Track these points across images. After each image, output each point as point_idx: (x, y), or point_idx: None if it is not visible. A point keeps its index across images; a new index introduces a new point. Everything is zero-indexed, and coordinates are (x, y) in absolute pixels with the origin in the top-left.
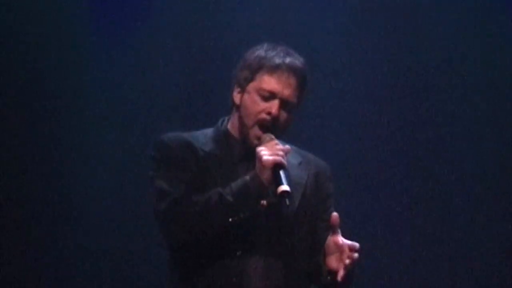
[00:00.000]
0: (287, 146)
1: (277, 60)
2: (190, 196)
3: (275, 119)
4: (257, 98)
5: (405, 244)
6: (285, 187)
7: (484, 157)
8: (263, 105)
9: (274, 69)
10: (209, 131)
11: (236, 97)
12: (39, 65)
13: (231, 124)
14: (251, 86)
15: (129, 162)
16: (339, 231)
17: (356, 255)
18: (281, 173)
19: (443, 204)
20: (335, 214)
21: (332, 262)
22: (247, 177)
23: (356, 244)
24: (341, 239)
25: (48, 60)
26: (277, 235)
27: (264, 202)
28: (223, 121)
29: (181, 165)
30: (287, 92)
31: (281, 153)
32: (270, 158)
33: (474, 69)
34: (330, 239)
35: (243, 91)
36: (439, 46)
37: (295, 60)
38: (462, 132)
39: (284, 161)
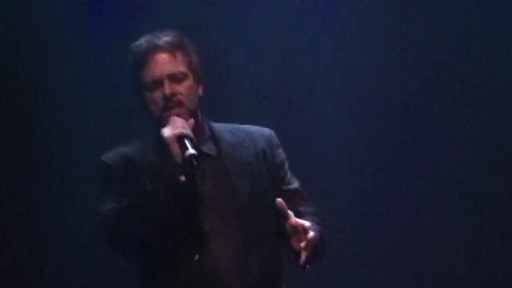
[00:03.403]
0: (191, 120)
1: (139, 53)
2: (113, 205)
3: (170, 96)
4: (148, 94)
5: (405, 244)
6: (190, 151)
7: (484, 155)
8: (157, 94)
9: (142, 60)
10: (148, 141)
11: (141, 105)
12: (35, 66)
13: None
14: (140, 87)
15: None
16: (289, 213)
17: (310, 235)
18: (186, 141)
19: (442, 204)
20: (278, 200)
21: (294, 243)
22: (162, 161)
23: (306, 224)
24: (294, 221)
25: (43, 60)
26: (235, 225)
27: (182, 177)
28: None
29: (123, 182)
30: (166, 69)
31: (180, 125)
32: (171, 132)
33: (474, 69)
34: (286, 223)
35: (140, 96)
36: (440, 45)
37: (154, 39)
38: (462, 132)
39: (185, 131)
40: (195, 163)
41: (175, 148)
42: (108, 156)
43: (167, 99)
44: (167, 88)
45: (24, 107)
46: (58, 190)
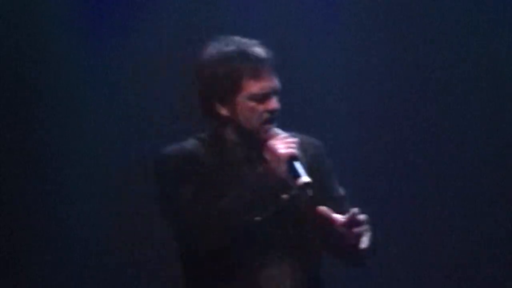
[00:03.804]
0: (296, 138)
1: (252, 60)
2: (209, 204)
3: (276, 111)
4: (253, 104)
5: (405, 244)
6: (305, 178)
7: (484, 155)
8: (262, 107)
9: (255, 71)
10: (202, 140)
11: (225, 111)
12: (35, 66)
13: (226, 132)
14: (240, 96)
15: (126, 162)
16: (336, 216)
17: (364, 217)
18: (297, 164)
19: (442, 204)
20: (321, 208)
21: (350, 235)
22: (260, 173)
23: (356, 211)
24: (344, 218)
25: (41, 60)
26: (293, 236)
27: (285, 195)
28: (213, 131)
29: (190, 176)
30: (273, 83)
31: (293, 145)
32: (285, 150)
33: (475, 69)
34: (335, 226)
35: (230, 104)
36: (440, 45)
37: (258, 48)
38: (462, 131)
39: (296, 152)
40: (310, 193)
41: (283, 166)
42: (170, 150)
43: (273, 113)
44: (275, 103)
45: (24, 107)
46: (58, 190)
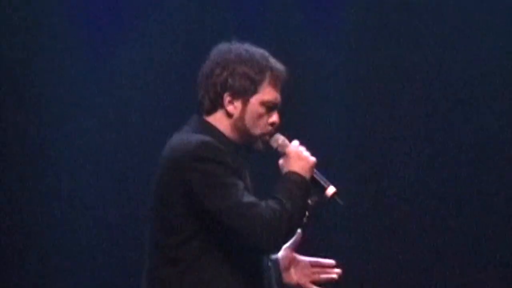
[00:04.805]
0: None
1: (276, 72)
2: (279, 204)
3: (276, 126)
4: (262, 111)
5: (404, 244)
6: (332, 187)
7: (485, 155)
8: (267, 117)
9: (276, 80)
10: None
11: (232, 107)
12: (31, 64)
13: (223, 129)
14: (255, 98)
15: (124, 161)
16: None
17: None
18: (318, 173)
19: (442, 204)
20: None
21: (292, 276)
22: (296, 178)
23: (332, 261)
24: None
25: (39, 58)
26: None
27: (312, 201)
28: (206, 125)
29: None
30: (280, 98)
31: (307, 152)
32: (313, 158)
33: (476, 68)
34: (286, 256)
35: (242, 101)
36: (441, 45)
37: (280, 62)
38: (463, 131)
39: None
40: (341, 202)
41: (310, 173)
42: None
43: (274, 126)
44: (278, 119)
45: (24, 107)
46: (58, 190)
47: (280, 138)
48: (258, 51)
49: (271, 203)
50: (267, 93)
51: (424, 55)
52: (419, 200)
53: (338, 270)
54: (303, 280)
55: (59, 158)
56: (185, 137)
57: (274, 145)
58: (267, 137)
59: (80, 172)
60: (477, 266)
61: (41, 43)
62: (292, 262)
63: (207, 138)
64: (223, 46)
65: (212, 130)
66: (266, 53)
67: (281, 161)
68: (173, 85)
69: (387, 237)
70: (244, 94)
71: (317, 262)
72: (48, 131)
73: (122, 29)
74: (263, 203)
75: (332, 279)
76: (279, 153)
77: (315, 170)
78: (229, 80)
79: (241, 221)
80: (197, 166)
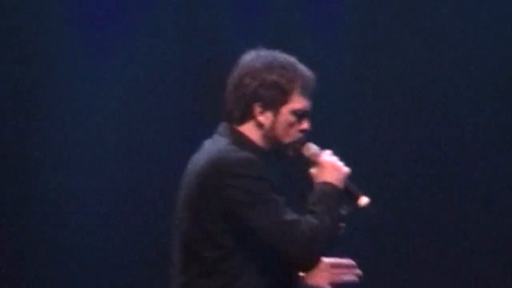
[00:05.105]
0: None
1: (305, 79)
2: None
3: (307, 133)
4: (292, 119)
5: (404, 244)
6: (365, 197)
7: (486, 155)
8: (298, 125)
9: (305, 89)
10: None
11: (263, 117)
12: (31, 65)
13: (255, 139)
14: (285, 107)
15: (124, 162)
16: None
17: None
18: (350, 183)
19: (442, 204)
20: None
21: (313, 279)
22: (332, 189)
23: (352, 262)
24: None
25: (39, 59)
26: None
27: (343, 211)
28: (238, 135)
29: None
30: (310, 105)
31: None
32: (347, 168)
33: (476, 69)
34: None
35: (273, 112)
36: (441, 45)
37: (308, 69)
38: (463, 131)
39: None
40: (372, 211)
41: (342, 183)
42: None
43: (304, 133)
44: (308, 124)
45: (24, 107)
46: (57, 190)
47: (313, 147)
48: (287, 59)
49: (310, 218)
50: (298, 101)
51: (425, 55)
52: (419, 200)
53: (358, 271)
54: (324, 282)
55: (59, 158)
56: (222, 150)
57: (307, 153)
58: (298, 145)
59: (80, 172)
60: (477, 267)
61: (41, 43)
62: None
63: (245, 153)
64: (250, 54)
65: (245, 140)
66: (294, 60)
67: (313, 170)
68: (173, 85)
69: (387, 238)
70: (274, 104)
71: (337, 263)
72: (48, 131)
73: (122, 29)
74: (302, 220)
75: (353, 280)
76: (311, 162)
77: (350, 181)
78: (259, 91)
79: (282, 239)
80: (235, 183)
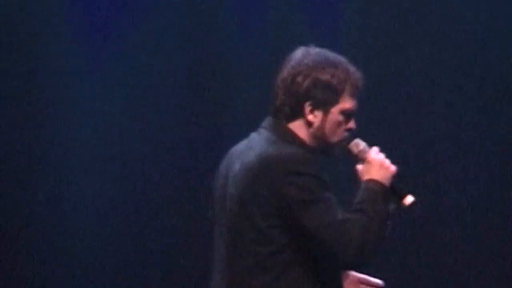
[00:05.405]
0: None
1: (355, 80)
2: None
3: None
4: (341, 119)
5: (404, 244)
6: (411, 196)
7: (485, 155)
8: (345, 124)
9: (355, 90)
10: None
11: (313, 116)
12: (31, 65)
13: (303, 137)
14: (335, 108)
15: (125, 162)
16: None
17: None
18: (395, 184)
19: (441, 204)
20: None
21: None
22: (379, 188)
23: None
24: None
25: (40, 58)
26: None
27: (390, 209)
28: (288, 132)
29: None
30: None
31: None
32: (394, 166)
33: (477, 69)
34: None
35: (323, 111)
36: (441, 45)
37: (356, 68)
38: (463, 131)
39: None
40: (416, 210)
41: (389, 181)
42: (309, 155)
43: (351, 132)
44: (354, 124)
45: (24, 106)
46: (57, 190)
47: (361, 144)
48: (338, 59)
49: (359, 216)
50: (347, 102)
51: (425, 55)
52: (421, 201)
53: None
54: None
55: (59, 158)
56: (275, 146)
57: (355, 150)
58: (345, 143)
59: (80, 172)
60: (477, 267)
61: (41, 43)
62: (345, 275)
63: (302, 150)
64: (302, 51)
65: (294, 138)
66: (344, 60)
67: (360, 167)
68: (174, 85)
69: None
70: (325, 104)
71: (366, 280)
72: (48, 131)
73: (122, 29)
74: (352, 218)
75: None
76: (359, 159)
77: (396, 181)
78: (312, 91)
79: (335, 238)
80: (293, 180)
